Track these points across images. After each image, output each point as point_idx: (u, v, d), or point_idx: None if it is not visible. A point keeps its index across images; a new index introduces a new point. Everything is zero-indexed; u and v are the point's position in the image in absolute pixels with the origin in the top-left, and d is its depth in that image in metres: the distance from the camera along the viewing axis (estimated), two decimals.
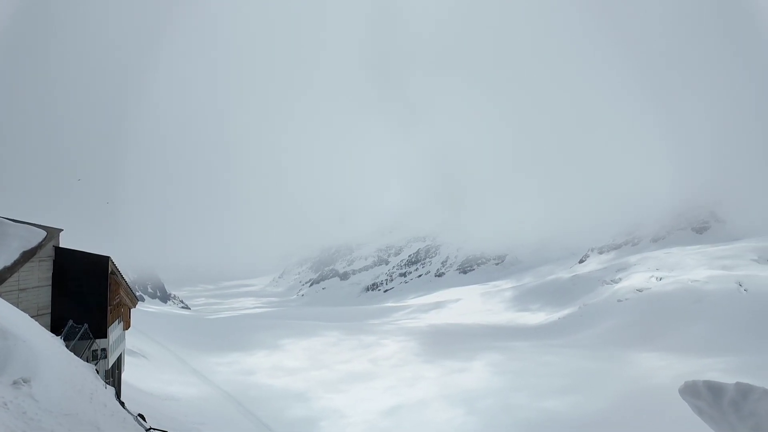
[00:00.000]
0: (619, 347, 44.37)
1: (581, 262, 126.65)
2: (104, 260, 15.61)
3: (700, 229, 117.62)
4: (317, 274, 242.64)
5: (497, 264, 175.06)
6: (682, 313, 50.25)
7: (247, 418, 24.61)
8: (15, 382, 6.25)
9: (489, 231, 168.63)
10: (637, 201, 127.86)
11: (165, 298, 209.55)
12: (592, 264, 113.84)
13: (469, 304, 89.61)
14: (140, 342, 37.35)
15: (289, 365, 40.94)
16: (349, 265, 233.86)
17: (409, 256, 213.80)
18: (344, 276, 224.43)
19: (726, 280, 56.68)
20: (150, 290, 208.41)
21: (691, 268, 67.66)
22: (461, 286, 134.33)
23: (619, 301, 61.38)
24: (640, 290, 62.99)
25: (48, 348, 8.69)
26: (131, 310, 22.81)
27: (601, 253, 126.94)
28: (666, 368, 35.44)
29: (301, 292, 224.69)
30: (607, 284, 72.71)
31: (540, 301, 78.74)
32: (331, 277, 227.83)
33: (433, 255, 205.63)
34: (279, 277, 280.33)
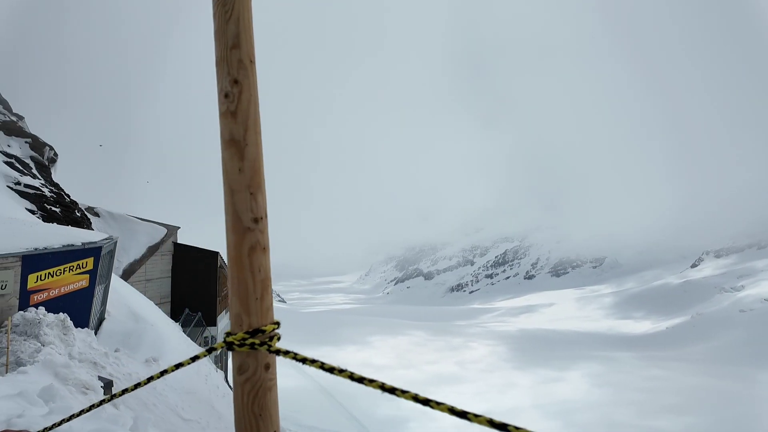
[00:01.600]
0: (743, 364, 39.17)
1: (694, 266, 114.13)
2: (214, 255, 17.01)
3: None
4: (402, 273, 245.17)
5: (594, 267, 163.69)
6: None
7: (338, 411, 25.41)
8: (147, 360, 7.02)
9: (586, 232, 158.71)
10: (763, 197, 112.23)
11: None
12: (707, 269, 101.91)
13: (564, 309, 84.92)
14: None
15: (378, 362, 41.69)
16: (433, 265, 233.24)
17: (495, 257, 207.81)
18: (428, 276, 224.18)
19: None
20: None
21: None
22: (553, 290, 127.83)
23: (741, 311, 54.51)
24: None
25: (170, 332, 9.62)
26: None
27: (718, 256, 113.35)
28: None
29: (387, 290, 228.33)
30: (726, 292, 65.60)
31: (645, 308, 72.54)
32: (416, 277, 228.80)
33: (522, 256, 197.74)
34: (365, 275, 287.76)
